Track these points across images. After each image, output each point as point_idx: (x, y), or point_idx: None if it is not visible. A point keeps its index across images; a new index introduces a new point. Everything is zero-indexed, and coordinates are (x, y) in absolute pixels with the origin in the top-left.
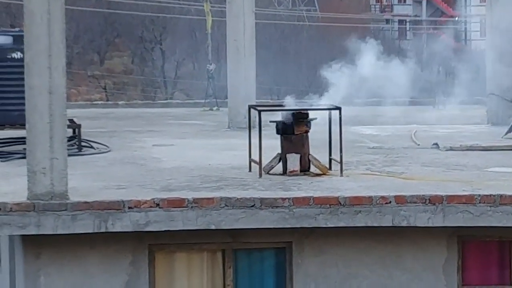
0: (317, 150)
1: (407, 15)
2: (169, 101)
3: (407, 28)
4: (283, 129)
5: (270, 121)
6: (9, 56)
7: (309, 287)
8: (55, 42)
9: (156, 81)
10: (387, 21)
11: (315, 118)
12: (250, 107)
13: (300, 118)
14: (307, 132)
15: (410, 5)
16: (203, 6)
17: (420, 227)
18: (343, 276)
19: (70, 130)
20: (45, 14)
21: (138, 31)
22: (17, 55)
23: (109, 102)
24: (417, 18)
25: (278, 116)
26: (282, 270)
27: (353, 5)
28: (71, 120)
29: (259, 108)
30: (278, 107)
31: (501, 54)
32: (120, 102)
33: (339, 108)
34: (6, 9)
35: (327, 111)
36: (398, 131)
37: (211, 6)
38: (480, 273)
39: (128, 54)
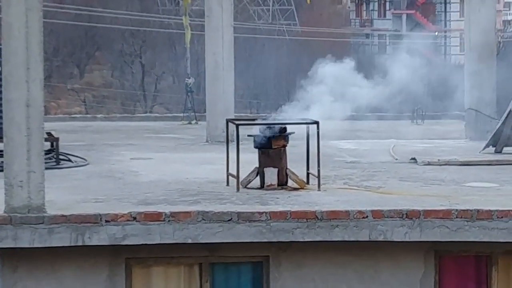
0: (295, 164)
1: (387, 30)
2: (147, 114)
3: (387, 43)
4: (261, 143)
5: (248, 135)
6: None
7: None
8: (33, 55)
9: (135, 94)
10: (367, 35)
11: (293, 132)
12: (228, 121)
13: (278, 132)
14: (284, 146)
15: (390, 19)
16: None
17: (397, 241)
18: None
19: (48, 143)
20: (23, 27)
21: (118, 44)
22: None
23: (88, 116)
24: (397, 33)
25: (256, 130)
26: (259, 284)
27: (333, 19)
28: (49, 133)
29: (237, 122)
30: (256, 121)
31: (478, 69)
32: (98, 116)
33: (316, 123)
34: None
35: (306, 125)
36: (377, 146)
37: (191, 20)
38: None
39: (108, 67)
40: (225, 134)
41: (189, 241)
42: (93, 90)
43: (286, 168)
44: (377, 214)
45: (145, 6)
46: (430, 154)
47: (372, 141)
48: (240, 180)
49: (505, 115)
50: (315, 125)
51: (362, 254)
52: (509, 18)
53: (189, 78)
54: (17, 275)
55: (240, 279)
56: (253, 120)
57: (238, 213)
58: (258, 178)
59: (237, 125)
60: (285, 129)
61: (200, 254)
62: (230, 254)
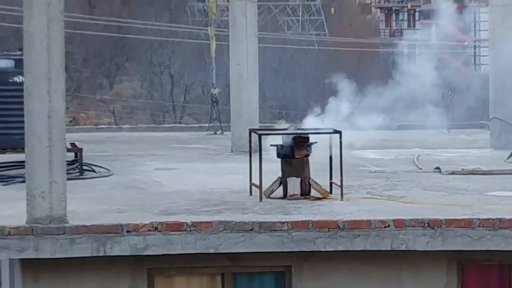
0: (319, 173)
1: (416, 40)
2: (173, 125)
3: (416, 53)
4: (284, 153)
5: (271, 145)
6: (10, 80)
7: None
8: (54, 66)
9: (165, 105)
10: (396, 45)
11: (316, 142)
12: (250, 130)
13: (301, 142)
14: (307, 155)
15: (419, 29)
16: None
17: (419, 251)
18: None
19: (72, 154)
20: (45, 38)
21: (147, 55)
22: (18, 78)
23: (113, 126)
24: (427, 43)
25: (280, 140)
26: None
27: (362, 30)
28: (72, 144)
29: (259, 132)
30: (280, 130)
31: (504, 79)
32: (124, 126)
33: (339, 132)
34: (14, 33)
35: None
36: (401, 155)
37: (220, 31)
38: None
39: (137, 78)
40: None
41: (211, 251)
42: (123, 101)
43: (309, 178)
44: (399, 224)
45: (174, 16)
46: (455, 164)
47: (396, 151)
48: (263, 190)
49: None
50: (337, 135)
51: (384, 264)
52: None
53: (215, 88)
54: (38, 286)
55: None
56: (276, 130)
57: (260, 223)
58: (281, 187)
59: (260, 135)
60: (307, 138)
61: (222, 264)
62: (252, 264)
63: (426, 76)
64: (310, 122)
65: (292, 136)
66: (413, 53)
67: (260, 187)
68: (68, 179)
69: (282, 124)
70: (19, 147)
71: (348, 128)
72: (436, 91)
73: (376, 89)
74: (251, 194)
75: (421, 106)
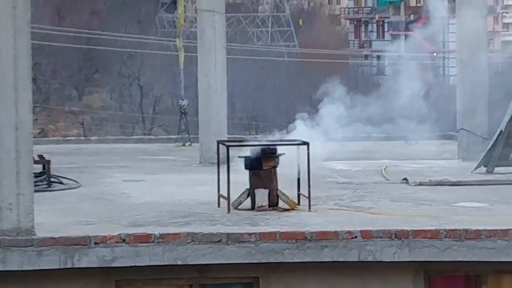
0: (287, 185)
1: (385, 51)
2: (142, 136)
3: (386, 64)
4: (252, 164)
5: (239, 157)
6: None
7: None
8: (21, 78)
9: (134, 116)
10: (366, 56)
11: (283, 154)
12: (218, 142)
13: (268, 153)
14: (275, 167)
15: (389, 41)
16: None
17: (386, 262)
18: None
19: (40, 166)
20: (11, 49)
21: (117, 66)
22: None
23: (82, 138)
24: (395, 54)
25: (248, 152)
26: None
27: (332, 41)
28: (40, 156)
29: (227, 144)
30: (246, 142)
31: (471, 90)
32: (93, 138)
33: (307, 144)
34: None
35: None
36: (369, 166)
37: (190, 42)
38: None
39: (107, 89)
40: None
41: (179, 262)
42: (92, 113)
43: (277, 189)
44: (366, 235)
45: (144, 28)
46: (422, 175)
47: (364, 162)
48: (231, 201)
49: (496, 135)
50: (305, 146)
51: (351, 275)
52: (508, 39)
53: (183, 99)
54: None
55: None
56: (244, 141)
57: (228, 234)
58: (249, 199)
59: (228, 146)
60: (275, 150)
61: (190, 275)
62: (220, 275)
63: (396, 89)
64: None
65: (260, 147)
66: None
67: (228, 198)
68: (36, 191)
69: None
70: None
71: (321, 139)
72: (411, 102)
73: (349, 100)
74: (219, 205)
75: (394, 118)
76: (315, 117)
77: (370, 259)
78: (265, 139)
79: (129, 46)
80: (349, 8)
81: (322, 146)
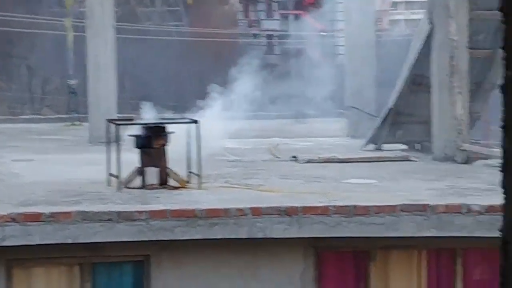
0: (178, 163)
1: (274, 30)
2: (32, 116)
3: (275, 43)
4: (142, 143)
5: (129, 135)
6: None
7: None
8: None
9: (23, 97)
10: (255, 35)
11: (173, 132)
12: (108, 121)
13: (158, 132)
14: (164, 145)
15: (278, 20)
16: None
17: (276, 238)
18: None
19: None
20: None
21: (5, 46)
22: None
23: None
24: (285, 33)
25: (138, 130)
26: (141, 284)
27: (221, 20)
28: None
29: (117, 122)
30: (136, 120)
31: (359, 68)
32: None
33: (196, 122)
34: None
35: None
36: (260, 145)
37: (79, 22)
38: (336, 283)
39: None
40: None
41: (69, 241)
42: None
43: (167, 168)
44: (256, 212)
45: (32, 7)
46: (312, 152)
47: (255, 140)
48: (122, 180)
49: (384, 113)
50: (195, 124)
51: (242, 251)
52: (396, 17)
53: (72, 79)
54: None
55: (121, 278)
56: (133, 120)
57: (118, 213)
58: (139, 177)
59: (117, 125)
60: (164, 128)
61: (81, 254)
62: (111, 254)
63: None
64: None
65: (149, 126)
66: (272, 44)
67: (118, 177)
68: None
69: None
70: None
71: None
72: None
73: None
74: (109, 184)
75: (285, 97)
76: (208, 96)
77: (260, 235)
78: (154, 118)
79: (17, 26)
80: None
81: (215, 124)
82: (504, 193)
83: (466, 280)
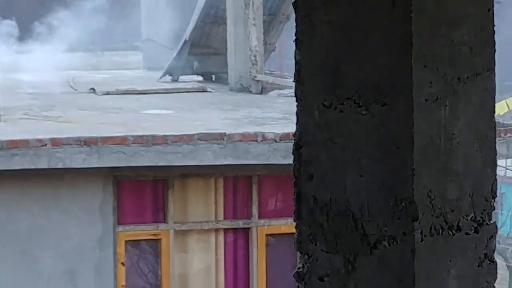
0: None
1: None
2: None
3: None
4: None
5: None
6: None
7: None
8: None
9: None
10: None
11: None
12: None
13: None
14: None
15: None
16: None
17: (76, 168)
18: (3, 219)
19: None
20: None
21: None
22: None
23: None
24: None
25: None
26: None
27: None
28: None
29: None
30: None
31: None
32: None
33: None
34: None
35: None
36: (57, 77)
37: None
38: (135, 212)
39: None
40: None
41: None
42: None
43: None
44: (56, 142)
45: None
46: (109, 84)
47: (52, 73)
48: None
49: (180, 44)
50: None
51: (43, 182)
52: None
53: None
54: None
55: None
56: None
57: None
58: None
59: None
60: None
61: None
62: None
63: None
64: None
65: None
66: None
67: None
68: None
69: None
70: None
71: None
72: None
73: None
74: None
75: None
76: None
77: (60, 166)
78: None
79: None
80: None
81: (10, 57)
82: (296, 100)
83: (261, 204)
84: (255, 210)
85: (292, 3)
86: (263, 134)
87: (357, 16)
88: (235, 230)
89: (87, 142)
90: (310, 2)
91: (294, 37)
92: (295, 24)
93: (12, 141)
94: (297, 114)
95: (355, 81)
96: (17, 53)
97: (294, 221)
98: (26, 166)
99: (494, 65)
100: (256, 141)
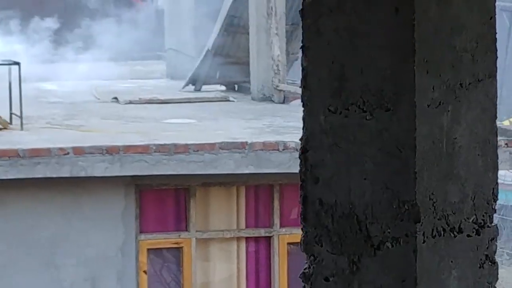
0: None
1: None
2: None
3: None
4: None
5: None
6: None
7: None
8: None
9: None
10: None
11: None
12: None
13: None
14: None
15: None
16: None
17: (98, 177)
18: (26, 227)
19: None
20: None
21: None
22: None
23: None
24: None
25: None
26: None
27: None
28: None
29: None
30: None
31: (177, 9)
32: None
33: (18, 64)
34: None
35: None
36: (80, 87)
37: None
38: (157, 220)
39: None
40: None
41: None
42: None
43: None
44: (78, 151)
45: None
46: (132, 94)
47: (75, 82)
48: None
49: (203, 54)
50: (17, 66)
51: (65, 190)
52: None
53: None
54: None
55: None
56: None
57: None
58: None
59: None
60: None
61: None
62: None
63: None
64: None
65: None
66: None
67: None
68: None
69: None
70: None
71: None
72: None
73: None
74: None
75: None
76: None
77: (82, 174)
78: None
79: None
80: None
81: (38, 66)
82: (303, 105)
83: (282, 213)
84: (276, 219)
85: (299, 11)
86: (284, 143)
87: (361, 23)
88: (256, 238)
89: (109, 151)
90: (317, 10)
91: (301, 44)
92: (302, 31)
93: (35, 150)
94: (303, 119)
95: (359, 87)
96: (42, 63)
97: (300, 223)
98: (49, 175)
99: (496, 71)
100: (278, 150)
